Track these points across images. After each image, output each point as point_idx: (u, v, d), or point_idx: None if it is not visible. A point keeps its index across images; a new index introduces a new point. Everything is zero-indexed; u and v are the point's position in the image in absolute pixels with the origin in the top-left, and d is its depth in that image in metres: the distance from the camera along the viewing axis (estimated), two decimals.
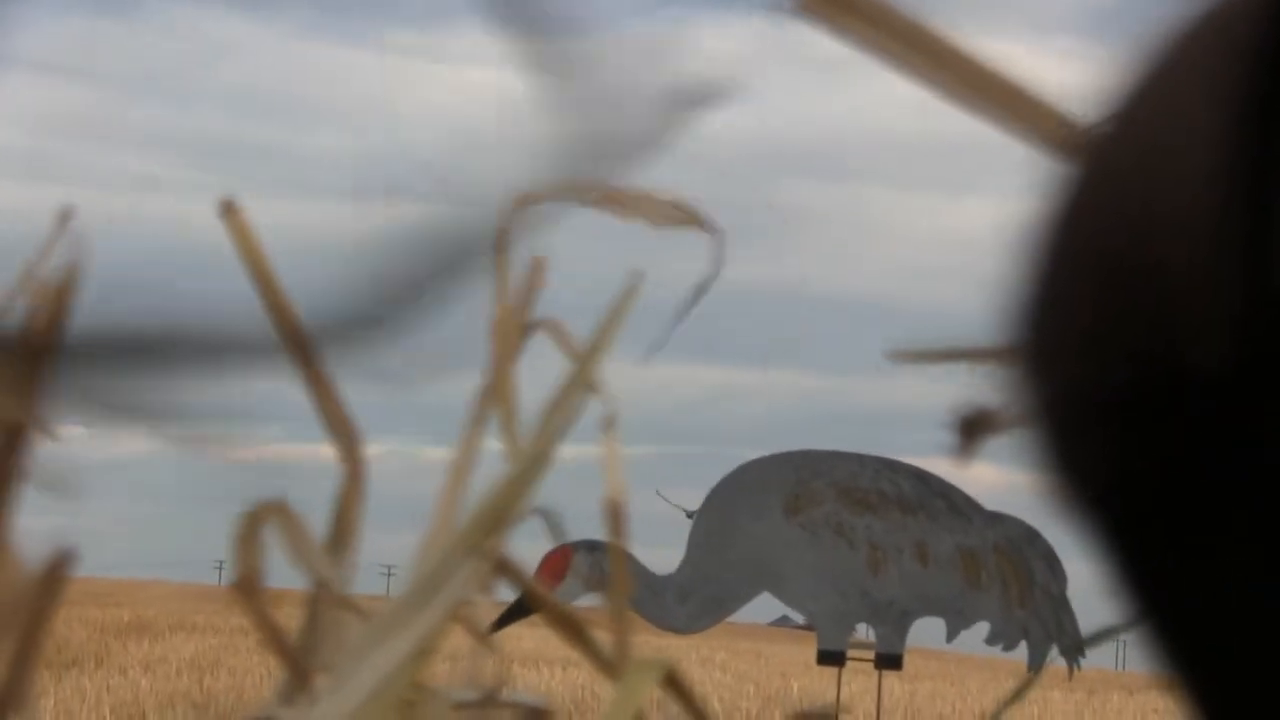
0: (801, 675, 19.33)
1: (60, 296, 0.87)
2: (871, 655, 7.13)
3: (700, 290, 0.98)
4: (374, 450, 0.98)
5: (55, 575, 0.88)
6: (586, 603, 6.44)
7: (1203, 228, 0.60)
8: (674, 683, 0.93)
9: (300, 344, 0.95)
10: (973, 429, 0.88)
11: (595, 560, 6.70)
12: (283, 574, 0.96)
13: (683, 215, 0.98)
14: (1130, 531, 0.65)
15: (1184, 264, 0.60)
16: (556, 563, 6.70)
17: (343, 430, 0.97)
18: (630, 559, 6.58)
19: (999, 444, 0.84)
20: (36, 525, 0.89)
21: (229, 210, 0.94)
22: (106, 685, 12.90)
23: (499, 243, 0.98)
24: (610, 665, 0.95)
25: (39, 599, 0.87)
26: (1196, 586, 0.63)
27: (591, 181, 0.97)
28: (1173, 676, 0.66)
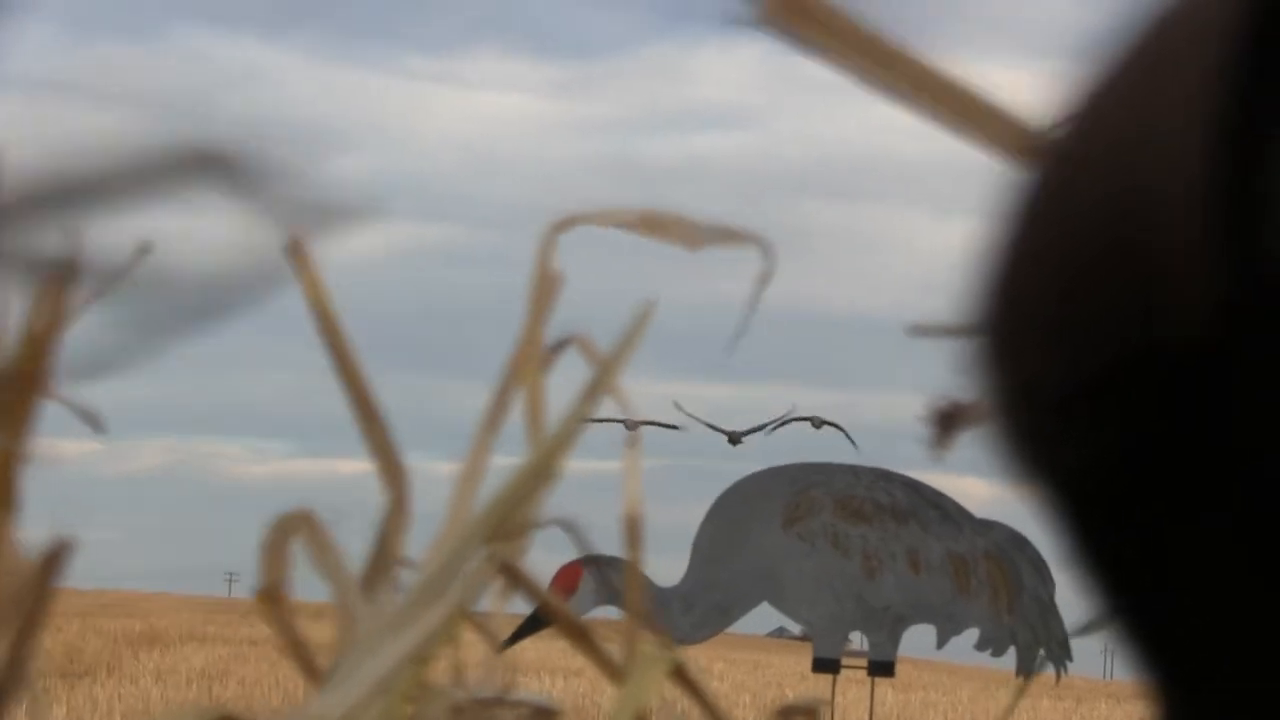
0: (797, 684, 19.37)
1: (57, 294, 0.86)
2: (865, 663, 7.21)
3: (753, 305, 0.99)
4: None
5: (52, 565, 0.89)
6: (596, 616, 6.49)
7: (1186, 205, 0.58)
8: (682, 676, 0.95)
9: (355, 378, 0.96)
10: (948, 423, 0.90)
11: (604, 575, 6.74)
12: (307, 588, 0.96)
13: (722, 235, 0.98)
14: (1100, 520, 0.63)
15: (1166, 242, 0.59)
16: (567, 578, 6.75)
17: (389, 460, 0.97)
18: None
19: (975, 443, 0.83)
20: (44, 533, 0.90)
21: (295, 250, 0.94)
22: (118, 694, 12.90)
23: (538, 260, 0.98)
24: (619, 671, 0.95)
25: (36, 588, 0.88)
26: (1171, 575, 0.62)
27: (628, 208, 0.98)
28: (1144, 673, 0.65)
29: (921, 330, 0.92)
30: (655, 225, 0.98)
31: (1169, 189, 0.59)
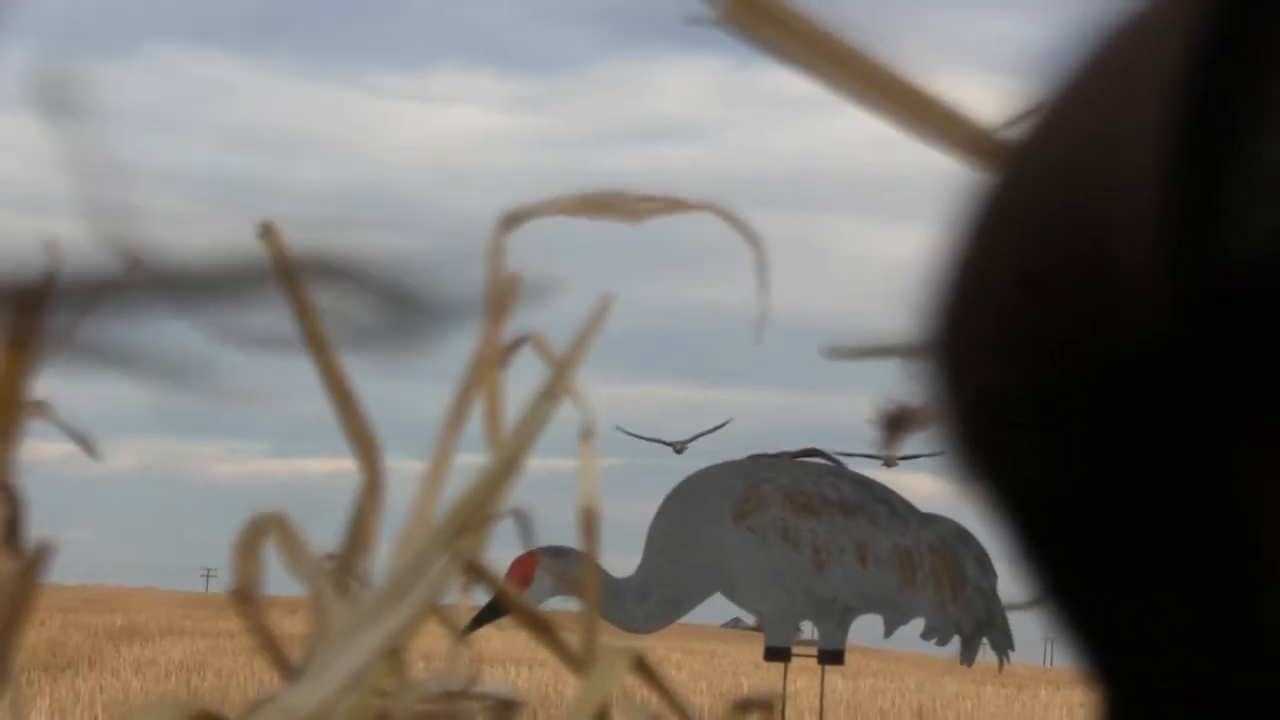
0: (751, 674, 19.43)
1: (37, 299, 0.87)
2: (815, 652, 7.35)
3: (764, 303, 0.97)
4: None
5: (36, 563, 0.89)
6: (552, 605, 6.47)
7: (1147, 207, 0.58)
8: (645, 669, 0.95)
9: (326, 357, 0.96)
10: (896, 425, 0.90)
11: (560, 565, 6.82)
12: (278, 584, 0.97)
13: (667, 206, 0.98)
14: (1062, 525, 0.62)
15: (1128, 244, 0.58)
16: (524, 567, 6.84)
17: (364, 441, 0.98)
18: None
19: (922, 442, 0.82)
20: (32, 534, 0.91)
21: (267, 232, 0.92)
22: (99, 686, 12.89)
23: (490, 258, 0.97)
24: (578, 661, 0.95)
25: (20, 585, 0.89)
26: (1145, 573, 0.61)
27: (570, 194, 0.97)
28: (1100, 671, 0.64)
29: (840, 353, 0.92)
30: (598, 206, 0.97)
31: (1130, 191, 0.58)
